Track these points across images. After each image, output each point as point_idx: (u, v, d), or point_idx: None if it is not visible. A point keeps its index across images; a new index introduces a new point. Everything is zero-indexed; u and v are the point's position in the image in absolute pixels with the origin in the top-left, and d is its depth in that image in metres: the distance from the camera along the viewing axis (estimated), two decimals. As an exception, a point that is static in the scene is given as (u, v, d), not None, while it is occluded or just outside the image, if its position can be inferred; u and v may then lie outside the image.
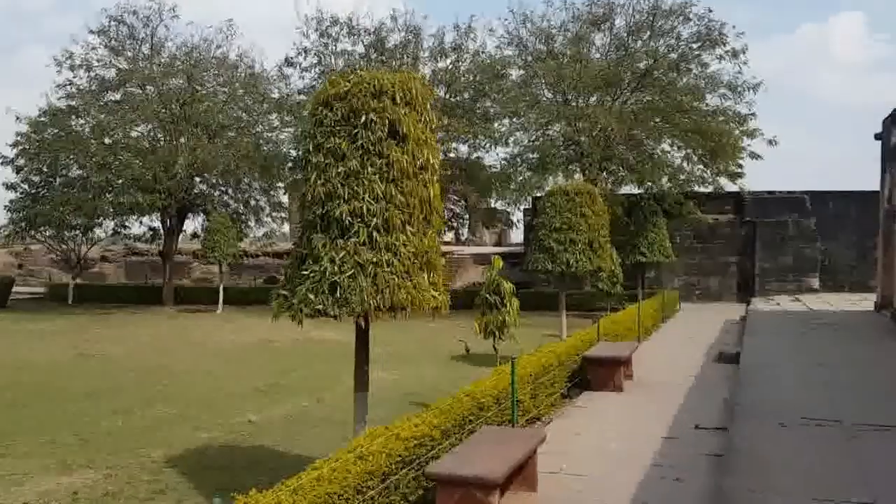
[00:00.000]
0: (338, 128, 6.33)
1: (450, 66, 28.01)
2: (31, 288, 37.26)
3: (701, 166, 27.37)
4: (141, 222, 32.50)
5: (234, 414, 10.56)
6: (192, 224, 34.03)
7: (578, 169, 26.78)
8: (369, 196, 6.18)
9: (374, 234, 6.13)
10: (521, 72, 27.19)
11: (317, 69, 28.33)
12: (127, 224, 32.73)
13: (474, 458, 5.77)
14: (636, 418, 9.67)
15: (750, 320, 19.04)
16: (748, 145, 26.57)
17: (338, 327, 20.65)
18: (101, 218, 29.92)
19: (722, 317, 23.44)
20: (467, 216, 32.54)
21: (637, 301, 24.00)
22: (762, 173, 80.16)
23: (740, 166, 27.42)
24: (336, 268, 6.02)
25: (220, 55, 30.77)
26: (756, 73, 71.76)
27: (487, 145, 28.13)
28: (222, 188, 32.89)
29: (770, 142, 26.23)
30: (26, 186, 28.92)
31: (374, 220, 6.14)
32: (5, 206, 29.13)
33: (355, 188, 6.19)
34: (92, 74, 28.93)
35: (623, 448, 8.11)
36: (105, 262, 47.75)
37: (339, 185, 6.20)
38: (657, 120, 25.72)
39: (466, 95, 28.02)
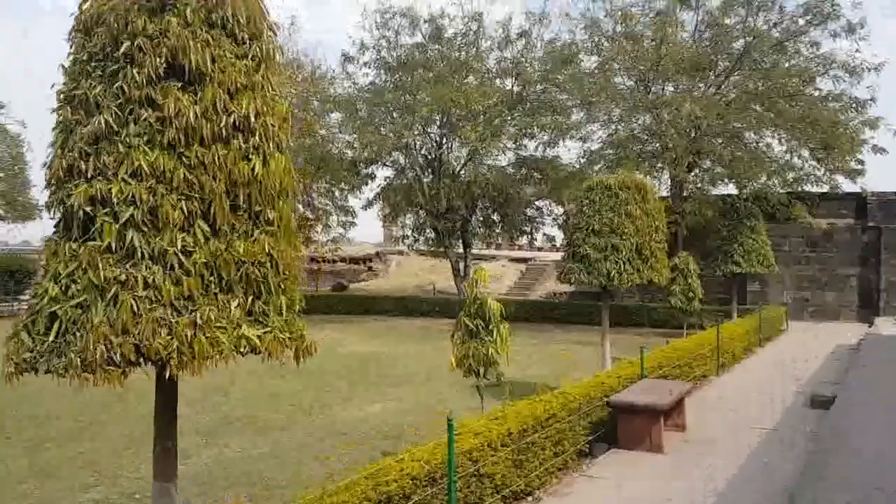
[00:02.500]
0: (94, 64, 3.96)
1: (517, 55, 25.25)
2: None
3: (813, 162, 23.30)
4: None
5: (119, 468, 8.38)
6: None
7: (664, 166, 23.37)
8: (126, 171, 3.76)
9: (130, 233, 3.70)
10: (596, 57, 24.05)
11: (375, 65, 26.32)
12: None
13: None
14: (665, 502, 6.74)
15: (863, 349, 15.22)
16: (870, 137, 22.34)
17: (379, 340, 18.28)
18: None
19: (834, 340, 19.46)
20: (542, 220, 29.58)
21: (733, 318, 20.51)
22: (889, 171, 71.01)
23: (860, 162, 23.18)
24: (59, 291, 3.64)
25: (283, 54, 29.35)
26: (877, 51, 64.04)
27: (558, 140, 25.13)
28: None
29: (897, 133, 21.88)
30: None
31: (132, 211, 3.72)
32: None
33: (105, 159, 3.80)
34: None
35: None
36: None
37: (82, 155, 3.82)
38: (757, 108, 21.92)
39: (539, 87, 25.12)
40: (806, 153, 23.18)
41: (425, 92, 23.46)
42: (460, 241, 28.61)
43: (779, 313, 22.15)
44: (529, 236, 31.33)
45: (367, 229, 59.91)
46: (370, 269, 41.66)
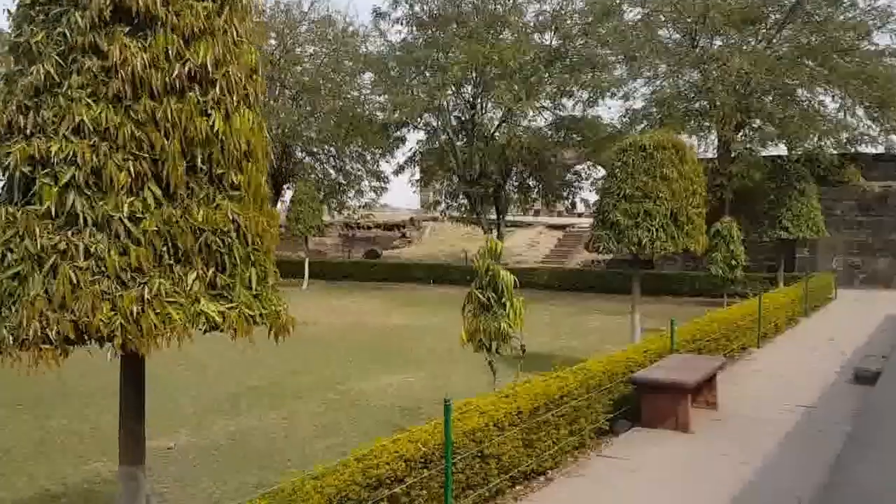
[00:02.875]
0: (38, 7, 3.57)
1: (556, 7, 24.27)
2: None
3: (868, 121, 22.07)
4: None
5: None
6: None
7: (711, 125, 22.38)
8: (67, 128, 3.39)
9: (72, 197, 3.35)
10: (640, 9, 22.96)
11: (407, 21, 25.61)
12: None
13: None
14: (685, 486, 6.29)
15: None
16: (929, 95, 20.97)
17: (410, 310, 17.96)
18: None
19: (885, 309, 18.51)
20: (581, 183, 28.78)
21: (779, 286, 19.67)
22: None
23: (919, 121, 21.85)
24: (-5, 259, 3.32)
25: (313, 12, 28.87)
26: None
27: (598, 99, 24.23)
28: (319, 155, 31.32)
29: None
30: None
31: (73, 171, 3.36)
32: None
33: (45, 114, 3.43)
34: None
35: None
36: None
37: (21, 109, 3.46)
38: (809, 63, 20.71)
39: (579, 42, 24.12)
40: (860, 112, 21.96)
41: (458, 49, 22.74)
42: (494, 207, 28.06)
43: (827, 281, 21.21)
44: (567, 202, 30.52)
45: (404, 195, 59.72)
46: (403, 235, 41.36)
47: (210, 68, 3.65)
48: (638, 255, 10.58)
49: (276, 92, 28.22)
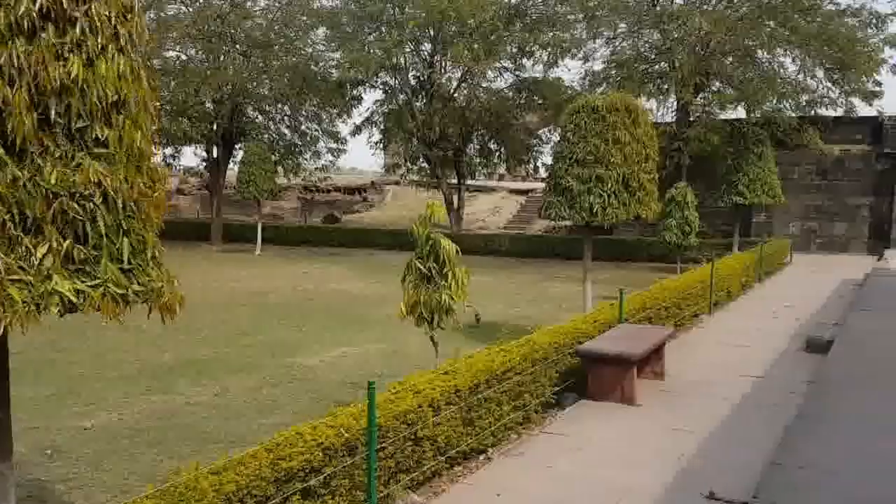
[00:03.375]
0: None
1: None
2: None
3: (828, 84, 21.97)
4: (195, 153, 30.64)
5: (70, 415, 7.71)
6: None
7: (671, 87, 22.04)
8: None
9: None
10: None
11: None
12: (176, 154, 31.03)
13: None
14: (627, 463, 6.01)
15: (868, 285, 14.36)
16: (889, 57, 20.94)
17: (369, 278, 17.41)
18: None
19: (841, 274, 18.60)
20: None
21: (735, 251, 19.59)
22: None
23: (878, 84, 21.82)
24: None
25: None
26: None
27: (558, 60, 23.71)
28: (273, 115, 30.33)
29: (922, 51, 20.38)
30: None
31: None
32: None
33: None
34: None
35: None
36: (181, 195, 47.04)
37: None
38: (770, 24, 20.41)
39: (540, -1, 23.49)
40: (820, 74, 21.87)
41: (414, 4, 21.95)
42: (455, 171, 27.54)
43: (783, 246, 21.25)
44: (530, 166, 30.10)
45: (369, 158, 58.85)
46: (365, 199, 40.64)
47: (67, 4, 3.09)
48: (590, 223, 10.21)
49: (227, 49, 27.10)
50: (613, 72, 22.57)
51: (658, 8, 21.16)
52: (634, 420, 7.13)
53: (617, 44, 23.43)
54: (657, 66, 23.15)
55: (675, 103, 23.08)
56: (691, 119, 22.41)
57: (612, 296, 14.47)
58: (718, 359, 9.74)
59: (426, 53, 24.90)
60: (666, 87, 21.83)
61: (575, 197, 10.03)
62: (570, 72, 49.85)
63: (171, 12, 26.49)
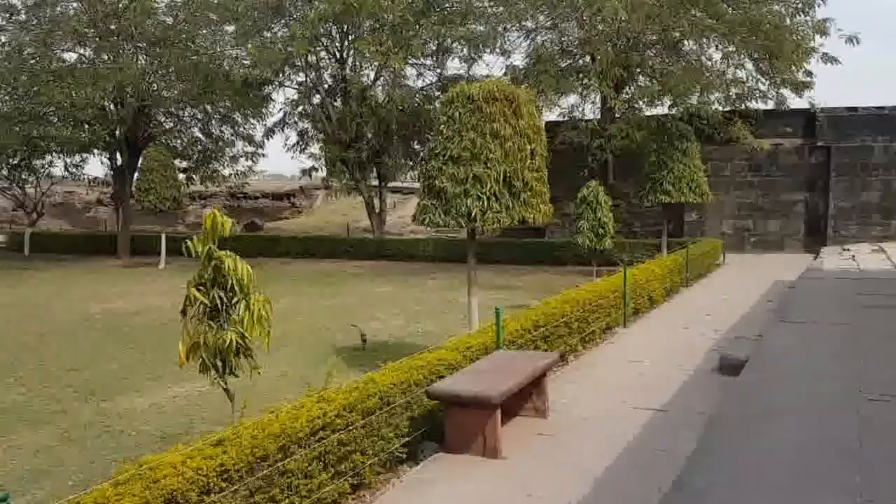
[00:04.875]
0: None
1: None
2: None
3: (757, 75, 21.07)
4: (102, 162, 28.50)
5: None
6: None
7: (594, 82, 20.88)
8: None
9: None
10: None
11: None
12: (79, 164, 28.90)
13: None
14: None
15: (797, 289, 13.27)
16: (819, 45, 20.07)
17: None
18: (33, 156, 25.96)
19: (773, 275, 17.64)
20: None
21: (663, 253, 18.48)
22: (840, 84, 68.09)
23: (809, 74, 21.02)
24: None
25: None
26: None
27: (478, 56, 22.45)
28: (183, 118, 28.41)
29: (850, 39, 19.59)
30: None
31: None
32: None
33: None
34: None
35: None
36: (101, 206, 44.48)
37: None
38: (694, 12, 19.36)
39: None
40: (749, 65, 20.94)
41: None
42: (376, 174, 26.04)
43: (714, 246, 20.28)
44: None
45: (296, 163, 56.68)
46: (293, 206, 38.86)
47: None
48: (470, 229, 8.79)
49: (125, 47, 25.12)
50: (534, 67, 21.32)
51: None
52: (490, 481, 5.72)
53: (539, 38, 22.22)
54: (581, 61, 22.05)
55: (600, 99, 22.00)
56: (617, 116, 21.31)
57: (526, 304, 13.24)
58: (621, 383, 8.42)
59: (335, 50, 23.31)
60: (587, 81, 20.65)
61: (450, 200, 8.61)
62: (489, 67, 48.14)
63: (60, 9, 24.38)
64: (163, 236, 24.08)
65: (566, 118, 23.94)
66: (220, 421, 7.46)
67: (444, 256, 23.23)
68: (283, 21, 22.23)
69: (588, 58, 21.49)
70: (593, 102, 23.75)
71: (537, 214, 8.86)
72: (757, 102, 21.75)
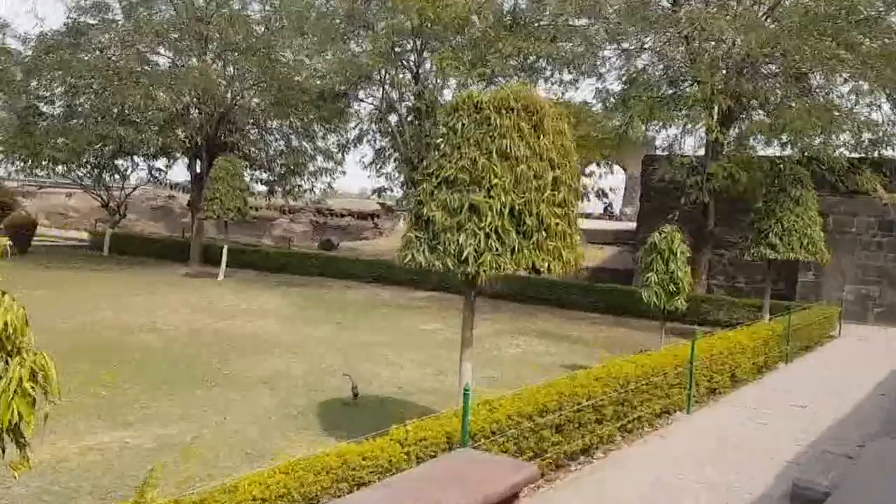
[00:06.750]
0: None
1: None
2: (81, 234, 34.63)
3: (894, 118, 17.89)
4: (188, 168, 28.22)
5: None
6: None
7: (699, 115, 18.30)
8: None
9: None
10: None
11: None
12: (160, 169, 28.81)
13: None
14: None
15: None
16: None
17: (298, 316, 14.72)
18: (115, 157, 25.91)
19: (894, 358, 14.47)
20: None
21: (765, 318, 15.60)
22: None
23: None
24: None
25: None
26: None
27: (580, 79, 20.37)
28: (266, 128, 27.74)
29: None
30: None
31: None
32: None
33: None
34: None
35: None
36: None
37: None
38: (824, 38, 16.45)
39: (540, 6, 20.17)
40: (886, 107, 17.79)
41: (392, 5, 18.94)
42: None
43: (828, 314, 17.11)
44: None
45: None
46: (376, 226, 37.73)
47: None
48: (464, 273, 6.75)
49: (208, 52, 24.74)
50: (628, 92, 19.01)
51: (682, 13, 17.33)
52: None
53: (639, 62, 19.90)
54: (686, 88, 19.52)
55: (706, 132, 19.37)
56: (722, 153, 18.62)
57: (583, 364, 11.02)
58: (644, 508, 6.13)
59: (414, 65, 21.82)
60: (689, 112, 18.11)
61: (438, 234, 6.64)
62: (579, 90, 45.28)
63: (153, 12, 24.26)
64: (224, 248, 23.23)
65: (664, 151, 21.44)
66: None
67: (514, 293, 21.04)
68: (358, 31, 21.00)
69: (693, 85, 18.95)
70: (701, 137, 21.10)
71: (555, 262, 6.70)
72: (893, 150, 18.50)
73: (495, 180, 6.52)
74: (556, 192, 6.75)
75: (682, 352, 9.87)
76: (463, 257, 6.51)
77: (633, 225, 28.17)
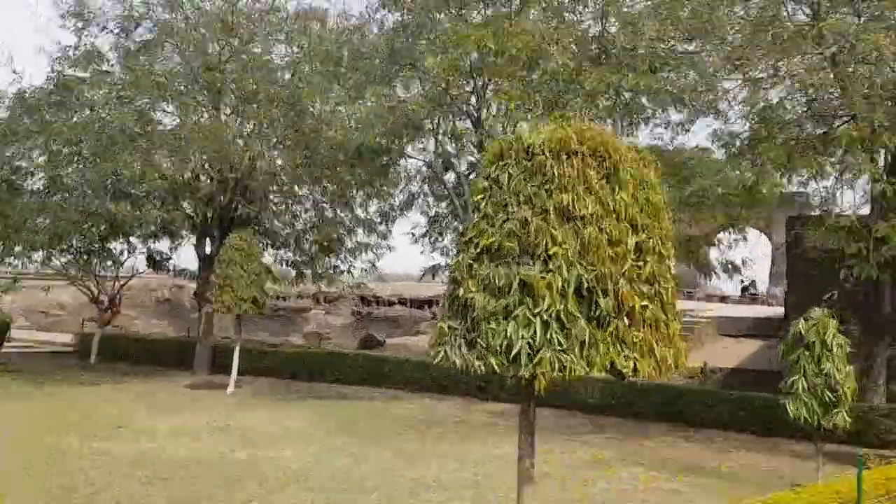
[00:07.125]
0: None
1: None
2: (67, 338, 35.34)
3: None
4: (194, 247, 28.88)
5: None
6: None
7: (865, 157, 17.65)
8: None
9: None
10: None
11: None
12: (162, 252, 29.47)
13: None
14: None
15: None
16: None
17: (313, 439, 14.57)
18: (107, 239, 26.73)
19: None
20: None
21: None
22: None
23: None
24: None
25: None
26: None
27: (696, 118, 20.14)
28: (295, 196, 28.24)
29: None
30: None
31: None
32: None
33: None
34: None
35: None
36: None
37: None
38: None
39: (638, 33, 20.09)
40: None
41: (441, 33, 19.20)
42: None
43: None
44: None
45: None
46: (434, 316, 37.52)
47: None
48: (518, 378, 6.33)
49: (226, 106, 25.63)
50: (765, 134, 18.51)
51: (830, 38, 16.84)
52: None
53: (772, 92, 19.45)
54: (841, 127, 18.91)
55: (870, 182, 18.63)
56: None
57: None
58: None
59: (472, 108, 21.97)
60: (844, 157, 17.50)
61: (478, 323, 6.30)
62: (687, 132, 43.94)
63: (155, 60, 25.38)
64: (236, 350, 23.33)
65: (815, 210, 20.67)
66: None
67: (612, 405, 20.32)
68: (403, 72, 21.37)
69: (848, 121, 18.35)
70: (864, 191, 20.31)
71: (643, 361, 6.24)
72: None
73: (554, 248, 6.13)
74: (640, 264, 6.32)
75: (846, 486, 9.09)
76: (513, 355, 6.11)
77: (781, 310, 27.25)
